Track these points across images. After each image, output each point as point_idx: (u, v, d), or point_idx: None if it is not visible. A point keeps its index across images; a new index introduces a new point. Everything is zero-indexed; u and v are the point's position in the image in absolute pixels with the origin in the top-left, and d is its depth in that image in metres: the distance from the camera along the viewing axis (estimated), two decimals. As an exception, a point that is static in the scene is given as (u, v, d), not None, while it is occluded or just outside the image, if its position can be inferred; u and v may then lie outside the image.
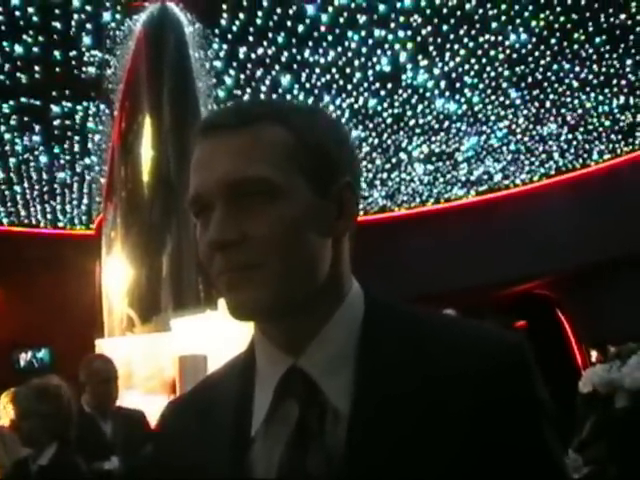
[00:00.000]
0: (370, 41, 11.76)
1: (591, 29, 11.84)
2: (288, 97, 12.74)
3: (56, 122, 12.59)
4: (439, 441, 1.05)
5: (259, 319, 1.16)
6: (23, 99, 11.86)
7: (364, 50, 11.98)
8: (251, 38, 11.39)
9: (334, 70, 12.46)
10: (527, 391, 1.11)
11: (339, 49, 11.89)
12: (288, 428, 1.12)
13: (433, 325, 1.17)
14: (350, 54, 12.04)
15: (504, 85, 13.39)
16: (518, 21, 11.58)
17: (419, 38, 11.79)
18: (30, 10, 10.11)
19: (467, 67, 12.69)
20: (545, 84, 13.45)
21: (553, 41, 12.13)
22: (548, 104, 14.19)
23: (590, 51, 12.46)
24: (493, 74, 12.98)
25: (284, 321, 1.14)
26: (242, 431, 1.16)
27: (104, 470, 5.03)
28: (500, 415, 1.07)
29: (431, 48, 12.10)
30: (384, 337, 1.14)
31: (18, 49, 10.80)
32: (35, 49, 10.78)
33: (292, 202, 1.09)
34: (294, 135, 1.12)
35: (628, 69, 13.18)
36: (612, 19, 11.67)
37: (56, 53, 10.93)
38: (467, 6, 11.08)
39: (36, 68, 11.16)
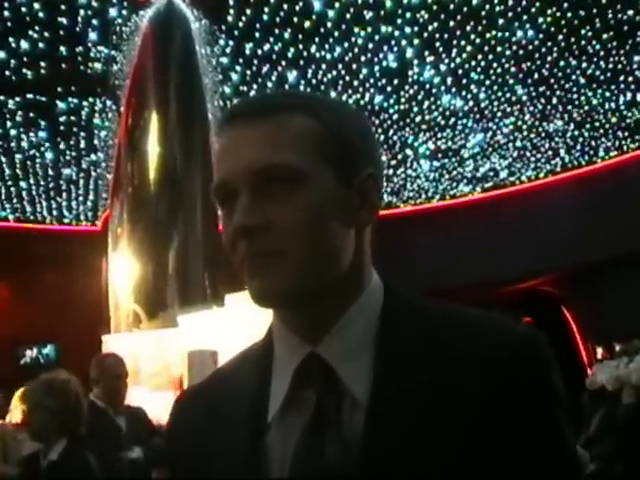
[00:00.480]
0: (377, 37, 11.76)
1: (598, 25, 11.85)
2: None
3: (62, 118, 12.63)
4: (456, 429, 1.06)
5: (281, 306, 1.16)
6: (29, 95, 11.91)
7: (371, 46, 11.99)
8: (257, 34, 11.41)
9: (340, 66, 12.47)
10: (542, 380, 1.11)
11: (345, 45, 11.90)
12: (305, 415, 1.12)
13: (451, 316, 1.17)
14: (357, 50, 12.04)
15: (510, 81, 13.40)
16: (525, 17, 11.59)
17: (426, 34, 11.79)
18: (36, 6, 10.14)
19: (474, 63, 12.71)
20: (552, 81, 13.46)
21: (560, 37, 12.14)
22: (554, 101, 14.20)
23: (597, 47, 12.46)
24: (500, 70, 12.99)
25: (304, 309, 1.14)
26: (259, 418, 1.16)
27: (130, 459, 5.21)
28: (516, 403, 1.08)
29: (438, 44, 12.10)
30: (402, 327, 1.15)
31: (24, 45, 10.84)
32: (41, 45, 10.82)
33: (317, 190, 1.10)
34: (320, 125, 1.13)
35: (635, 66, 13.18)
36: (620, 15, 11.68)
37: (62, 49, 10.97)
38: (474, 2, 11.08)
39: (42, 64, 11.19)
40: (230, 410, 1.20)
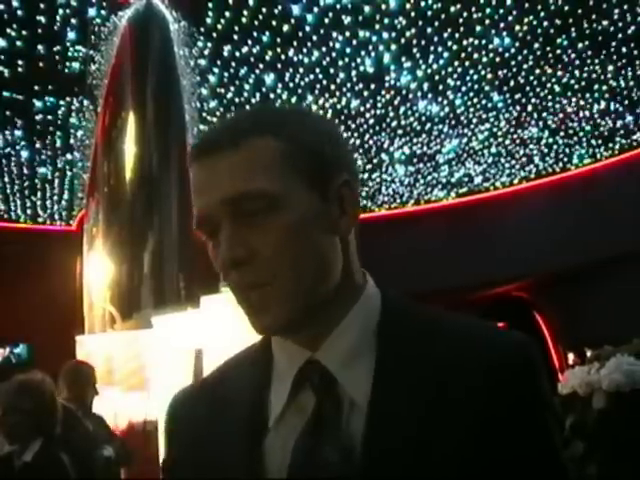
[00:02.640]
0: (355, 42, 11.80)
1: (574, 35, 11.95)
2: (272, 96, 12.76)
3: (39, 117, 12.55)
4: (452, 434, 1.08)
5: (281, 333, 1.18)
6: (5, 93, 11.81)
7: (348, 51, 12.02)
8: (236, 37, 11.41)
9: (318, 70, 12.49)
10: (533, 389, 1.14)
11: (323, 49, 11.92)
12: (304, 418, 1.14)
13: (446, 323, 1.20)
14: (334, 54, 12.07)
15: (487, 88, 13.48)
16: (502, 25, 11.66)
17: (403, 40, 11.84)
18: (15, 4, 10.08)
19: (450, 70, 12.78)
20: (527, 88, 13.56)
21: (536, 46, 12.24)
22: (530, 108, 14.31)
23: (572, 56, 12.57)
24: (476, 77, 13.07)
25: (306, 322, 1.16)
26: (259, 422, 1.18)
27: (106, 456, 5.35)
28: (509, 409, 1.11)
29: (415, 50, 12.15)
30: (400, 331, 1.17)
31: (2, 43, 10.76)
32: (19, 43, 10.75)
33: (294, 210, 1.11)
34: (287, 143, 1.13)
35: (609, 75, 13.31)
36: (595, 25, 11.78)
37: (40, 47, 10.90)
38: (452, 9, 11.14)
39: (19, 62, 11.12)
40: (229, 413, 1.21)
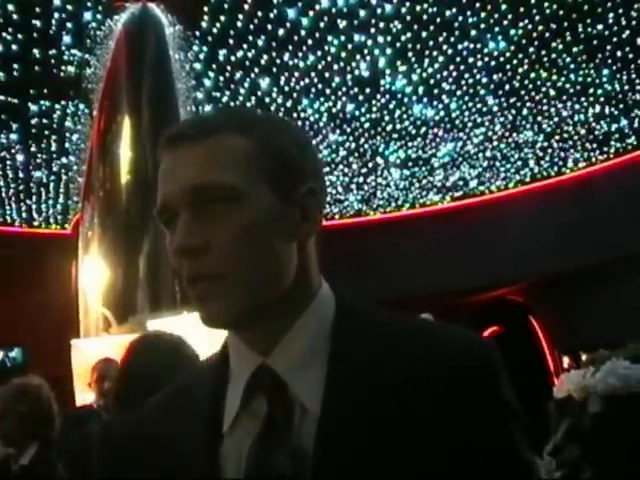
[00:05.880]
0: (350, 46, 11.81)
1: (569, 39, 11.97)
2: (267, 100, 12.78)
3: (34, 121, 12.54)
4: (407, 439, 1.08)
5: (228, 327, 1.19)
6: (1, 97, 11.80)
7: (343, 55, 12.03)
8: (231, 41, 11.41)
9: (313, 74, 12.50)
10: (493, 392, 1.13)
11: (319, 53, 11.93)
12: (257, 424, 1.15)
13: (403, 326, 1.20)
14: (329, 58, 12.08)
15: (482, 92, 13.50)
16: (497, 29, 11.68)
17: (398, 44, 11.85)
18: (10, 8, 10.07)
19: (445, 74, 12.79)
20: (522, 92, 13.58)
21: (531, 50, 12.26)
22: (525, 112, 14.33)
23: (567, 60, 12.60)
24: (471, 81, 13.09)
25: (253, 324, 1.17)
26: (214, 427, 1.19)
27: None
28: (467, 415, 1.10)
29: (410, 54, 12.17)
30: (354, 336, 1.17)
31: (-3, 47, 10.77)
32: (14, 47, 10.74)
33: (254, 208, 1.12)
34: (256, 143, 1.15)
35: (604, 79, 13.34)
36: (589, 29, 11.80)
37: (35, 51, 10.90)
38: (447, 13, 11.16)
39: (15, 66, 11.11)
40: (188, 419, 1.22)
